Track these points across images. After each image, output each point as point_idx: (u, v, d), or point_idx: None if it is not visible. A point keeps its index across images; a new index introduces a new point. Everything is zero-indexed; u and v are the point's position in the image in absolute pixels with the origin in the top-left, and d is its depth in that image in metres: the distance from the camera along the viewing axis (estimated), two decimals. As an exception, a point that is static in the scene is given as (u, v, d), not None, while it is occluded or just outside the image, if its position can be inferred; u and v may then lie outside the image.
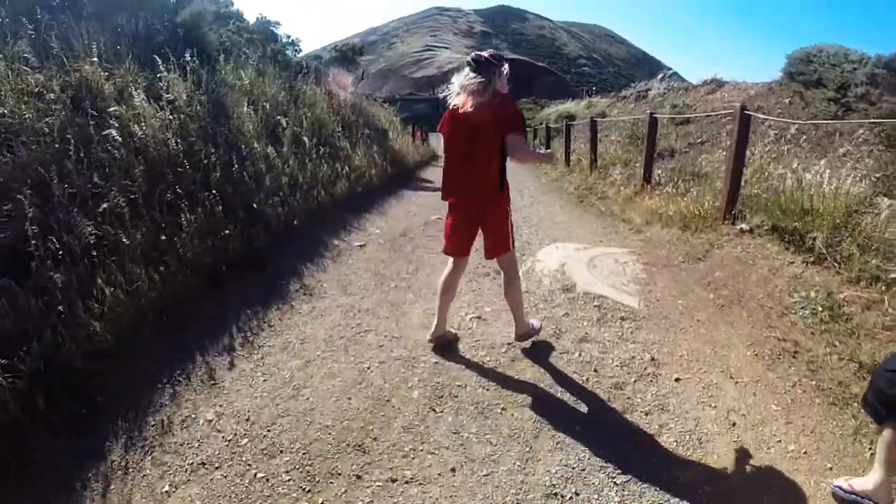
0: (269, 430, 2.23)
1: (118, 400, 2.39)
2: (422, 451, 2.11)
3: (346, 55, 23.39)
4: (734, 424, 2.26)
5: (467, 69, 2.54)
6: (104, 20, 4.79)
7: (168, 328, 3.01)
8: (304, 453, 2.09)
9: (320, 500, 1.87)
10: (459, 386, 2.57)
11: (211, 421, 2.30)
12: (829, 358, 2.62)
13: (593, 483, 1.93)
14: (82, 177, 3.13)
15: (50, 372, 2.32)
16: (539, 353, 2.89)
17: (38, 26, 3.75)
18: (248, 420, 2.30)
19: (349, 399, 2.46)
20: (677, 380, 2.61)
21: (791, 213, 3.93)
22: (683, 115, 9.64)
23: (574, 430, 2.23)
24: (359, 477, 1.97)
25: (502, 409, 2.38)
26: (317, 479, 1.96)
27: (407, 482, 1.95)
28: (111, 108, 3.70)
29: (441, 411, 2.37)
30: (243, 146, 5.00)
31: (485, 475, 1.98)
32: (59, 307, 2.52)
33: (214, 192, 3.98)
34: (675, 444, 2.15)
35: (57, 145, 3.15)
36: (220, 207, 3.96)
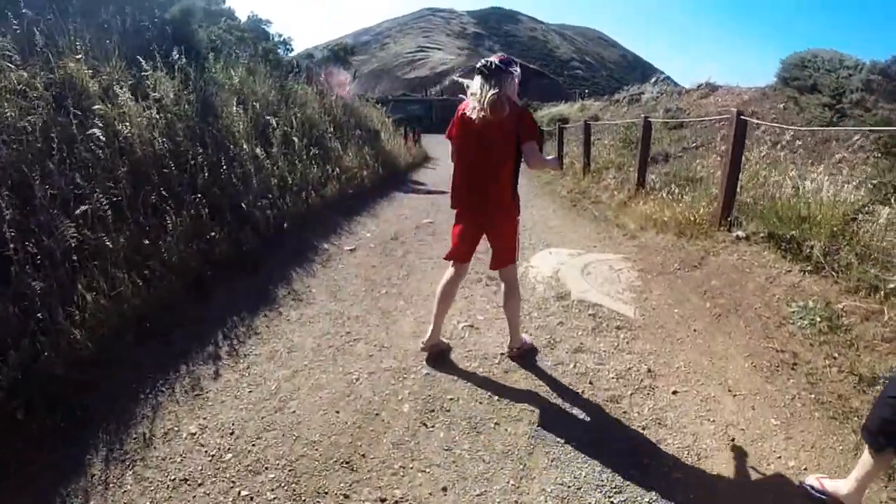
0: (254, 445, 2.14)
1: (99, 411, 2.30)
2: (412, 468, 2.03)
3: (338, 55, 23.21)
4: (733, 440, 2.21)
5: (479, 78, 2.45)
6: (90, 16, 4.67)
7: (152, 335, 2.92)
8: (290, 470, 2.01)
9: (306, 522, 1.79)
10: (451, 399, 2.49)
11: (194, 434, 2.21)
12: (829, 370, 2.58)
13: (590, 503, 1.87)
14: (64, 177, 3.02)
15: (28, 381, 2.22)
16: (533, 364, 2.82)
17: (22, 22, 3.64)
18: (232, 434, 2.21)
19: (337, 412, 2.37)
20: (675, 392, 2.55)
21: (788, 220, 3.89)
22: (678, 119, 9.63)
23: (569, 446, 2.16)
24: (346, 496, 1.89)
25: (496, 423, 2.31)
26: (303, 499, 1.87)
27: (397, 502, 1.87)
28: (96, 107, 3.59)
29: (432, 426, 2.29)
30: (232, 146, 4.90)
31: (478, 495, 1.90)
32: (39, 314, 2.43)
33: (201, 194, 3.88)
34: (673, 460, 2.09)
35: (39, 145, 3.04)
36: (207, 210, 3.87)
